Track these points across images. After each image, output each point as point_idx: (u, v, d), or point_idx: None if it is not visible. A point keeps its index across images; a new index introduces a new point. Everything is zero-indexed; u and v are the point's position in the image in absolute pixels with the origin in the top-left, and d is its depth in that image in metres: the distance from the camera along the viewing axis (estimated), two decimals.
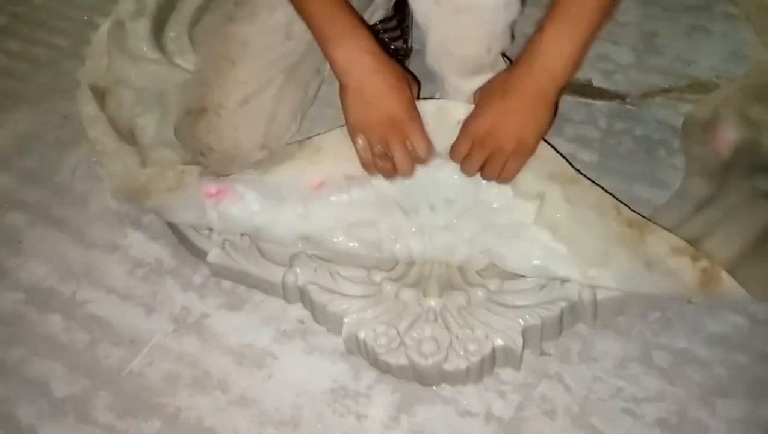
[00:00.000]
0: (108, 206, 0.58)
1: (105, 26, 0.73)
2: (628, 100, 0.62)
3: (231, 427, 0.45)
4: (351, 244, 0.51)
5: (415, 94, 0.50)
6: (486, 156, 0.47)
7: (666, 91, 0.63)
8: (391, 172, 0.49)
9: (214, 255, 0.52)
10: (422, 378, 0.46)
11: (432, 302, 0.48)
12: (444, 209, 0.50)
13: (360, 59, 0.47)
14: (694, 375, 0.46)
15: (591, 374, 0.47)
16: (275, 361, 0.48)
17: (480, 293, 0.48)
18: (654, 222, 0.49)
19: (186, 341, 0.50)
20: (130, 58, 0.69)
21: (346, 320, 0.48)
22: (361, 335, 0.47)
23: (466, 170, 0.48)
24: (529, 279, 0.48)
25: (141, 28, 0.73)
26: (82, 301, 0.52)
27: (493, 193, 0.50)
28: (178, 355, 0.49)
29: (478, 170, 0.48)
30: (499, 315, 0.47)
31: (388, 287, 0.49)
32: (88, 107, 0.66)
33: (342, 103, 0.48)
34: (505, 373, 0.47)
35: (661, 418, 0.45)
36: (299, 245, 0.51)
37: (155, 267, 0.54)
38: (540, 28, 0.46)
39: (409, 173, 0.49)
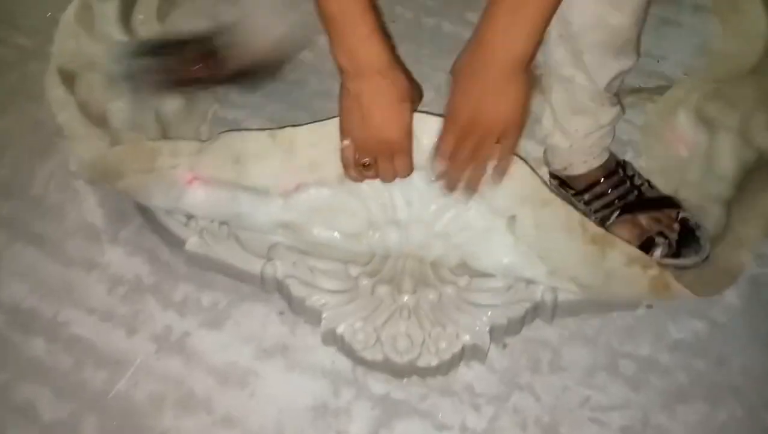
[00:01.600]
0: (85, 219, 0.58)
1: (72, 8, 0.71)
2: None
3: None
4: (330, 234, 0.52)
5: (417, 106, 0.50)
6: (475, 144, 0.46)
7: (636, 91, 0.64)
8: (370, 179, 0.49)
9: (192, 244, 0.53)
10: (395, 372, 0.49)
11: (406, 298, 0.50)
12: (420, 205, 0.52)
13: (368, 74, 0.46)
14: (656, 382, 0.49)
15: (560, 384, 0.49)
16: (258, 379, 0.50)
17: (450, 290, 0.50)
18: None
19: (169, 361, 0.51)
20: (99, 42, 0.68)
21: (324, 315, 0.50)
22: (340, 330, 0.49)
23: (456, 165, 0.48)
24: (496, 279, 0.51)
25: (109, 10, 0.71)
26: (64, 322, 0.53)
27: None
28: (162, 375, 0.50)
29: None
30: (468, 314, 0.49)
31: (365, 282, 0.51)
32: (57, 90, 0.65)
33: (339, 103, 0.47)
34: (481, 385, 0.49)
35: (626, 425, 0.47)
36: (279, 233, 0.53)
37: (135, 285, 0.54)
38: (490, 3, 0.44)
39: (389, 183, 0.50)
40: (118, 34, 0.68)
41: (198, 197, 0.53)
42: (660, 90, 0.63)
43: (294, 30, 0.62)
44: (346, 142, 0.48)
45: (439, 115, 0.49)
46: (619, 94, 0.54)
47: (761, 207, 0.53)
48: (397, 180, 0.49)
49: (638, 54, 0.52)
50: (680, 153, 0.58)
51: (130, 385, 0.50)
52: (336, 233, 0.52)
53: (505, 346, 0.51)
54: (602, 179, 0.55)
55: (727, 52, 0.64)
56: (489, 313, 0.49)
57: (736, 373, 0.49)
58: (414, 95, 0.49)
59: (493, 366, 0.50)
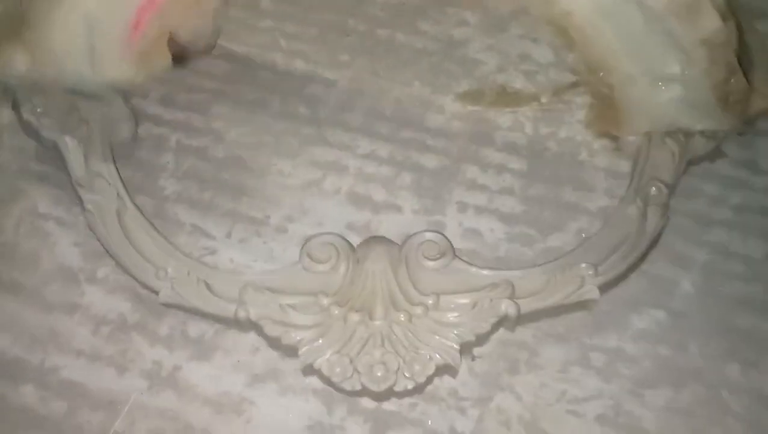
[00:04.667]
0: (60, 262, 0.58)
1: None
2: (543, 101, 0.66)
3: None
4: None
5: None
6: None
7: (574, 85, 0.67)
8: None
9: (164, 295, 0.54)
10: (374, 397, 0.52)
11: (378, 323, 0.52)
12: None
13: None
14: (625, 371, 0.53)
15: (538, 381, 0.52)
16: (252, 406, 0.52)
17: (419, 310, 0.52)
18: None
19: (163, 396, 0.52)
20: None
21: (300, 352, 0.51)
22: (317, 365, 0.51)
23: None
24: (461, 296, 0.52)
25: None
26: (52, 368, 0.53)
27: None
28: (158, 411, 0.51)
29: None
30: (438, 334, 0.51)
31: (336, 312, 0.52)
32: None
33: None
34: (465, 389, 0.52)
35: (600, 414, 0.51)
36: None
37: (119, 323, 0.55)
38: None
39: None
40: None
41: None
42: (596, 80, 0.65)
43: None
44: None
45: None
46: None
47: None
48: None
49: None
50: None
51: (128, 424, 0.51)
52: None
53: (473, 359, 0.53)
54: None
55: None
56: (457, 331, 0.51)
57: (696, 356, 0.53)
58: None
59: (475, 370, 0.53)
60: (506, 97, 0.66)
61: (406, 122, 0.65)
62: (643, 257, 0.55)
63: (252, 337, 0.54)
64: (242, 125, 0.65)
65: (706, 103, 0.57)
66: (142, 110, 0.66)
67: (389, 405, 0.52)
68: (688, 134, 0.60)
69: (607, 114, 0.62)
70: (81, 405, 0.52)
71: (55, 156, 0.61)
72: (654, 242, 0.55)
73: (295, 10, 0.73)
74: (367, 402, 0.52)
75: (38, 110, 0.61)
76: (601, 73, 0.60)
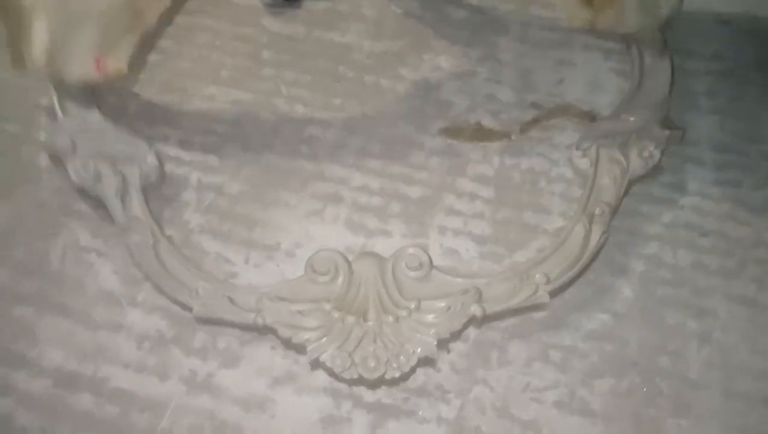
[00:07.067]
0: (103, 288, 0.69)
1: None
2: (513, 138, 0.78)
3: None
4: None
5: None
6: None
7: (536, 120, 0.79)
8: None
9: (197, 310, 0.65)
10: (368, 385, 0.63)
11: (370, 323, 0.63)
12: None
13: None
14: (577, 364, 0.65)
15: (507, 375, 0.64)
16: (274, 403, 0.63)
17: (404, 313, 0.64)
18: None
19: (200, 398, 0.63)
20: None
21: (308, 348, 0.62)
22: (322, 359, 0.62)
23: None
24: (438, 301, 0.64)
25: None
26: (103, 378, 0.64)
27: None
28: (196, 411, 0.62)
29: None
30: (419, 333, 0.63)
31: (336, 315, 0.64)
32: None
33: None
34: (448, 383, 0.64)
35: (558, 400, 0.63)
36: None
37: (158, 339, 0.66)
38: None
39: None
40: None
41: None
42: (551, 114, 0.77)
43: None
44: None
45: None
46: None
47: None
48: None
49: None
50: None
51: (171, 422, 0.62)
52: None
53: (449, 352, 0.65)
54: None
55: None
56: (434, 330, 0.63)
57: (635, 350, 0.65)
58: None
59: (456, 367, 0.64)
60: (481, 134, 0.78)
61: (393, 158, 0.76)
62: (586, 267, 0.67)
63: (269, 346, 0.65)
64: (252, 164, 0.76)
65: None
66: (164, 151, 0.76)
67: (387, 399, 0.63)
68: (628, 157, 0.72)
69: None
70: (131, 408, 0.62)
71: (90, 197, 0.72)
72: (596, 255, 0.67)
73: (292, 59, 0.84)
74: (368, 397, 0.63)
75: (83, 172, 0.71)
76: None
